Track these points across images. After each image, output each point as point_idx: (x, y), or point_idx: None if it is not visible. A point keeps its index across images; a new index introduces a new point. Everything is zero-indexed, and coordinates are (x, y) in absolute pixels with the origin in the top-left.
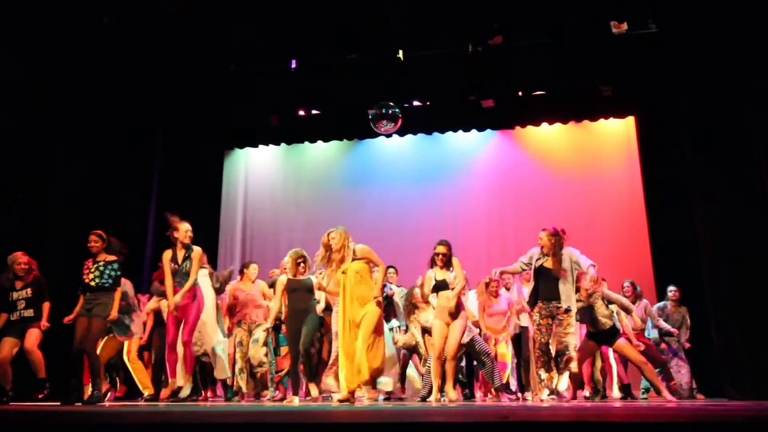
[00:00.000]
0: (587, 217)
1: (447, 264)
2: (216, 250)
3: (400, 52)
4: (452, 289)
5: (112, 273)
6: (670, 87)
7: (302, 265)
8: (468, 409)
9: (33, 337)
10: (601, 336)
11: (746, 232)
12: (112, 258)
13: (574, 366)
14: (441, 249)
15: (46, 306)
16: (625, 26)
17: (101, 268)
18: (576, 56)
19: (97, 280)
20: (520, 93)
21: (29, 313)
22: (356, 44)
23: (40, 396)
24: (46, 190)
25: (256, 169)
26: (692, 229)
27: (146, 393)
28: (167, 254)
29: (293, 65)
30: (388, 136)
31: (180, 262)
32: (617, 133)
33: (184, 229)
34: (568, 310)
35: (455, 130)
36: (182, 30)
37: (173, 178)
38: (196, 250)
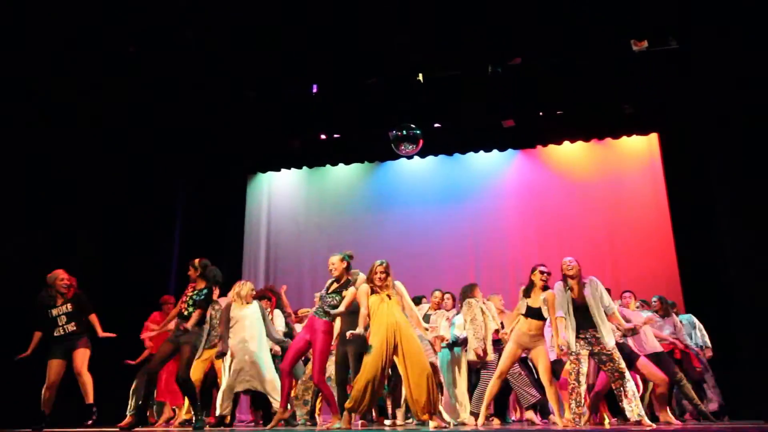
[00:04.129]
0: (612, 236)
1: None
2: (240, 273)
3: (420, 74)
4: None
5: (196, 298)
6: (693, 102)
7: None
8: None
9: (81, 358)
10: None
11: None
12: (202, 285)
13: (631, 387)
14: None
15: (94, 318)
16: (645, 44)
17: (194, 298)
18: (596, 75)
19: (190, 309)
20: (540, 113)
21: (72, 327)
22: (376, 68)
23: (88, 423)
24: (70, 217)
25: (278, 193)
26: (720, 244)
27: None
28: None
29: (314, 90)
30: (410, 157)
31: (325, 292)
32: (640, 150)
33: (330, 262)
34: (613, 348)
35: (476, 151)
36: (204, 57)
37: (197, 203)
38: (350, 291)
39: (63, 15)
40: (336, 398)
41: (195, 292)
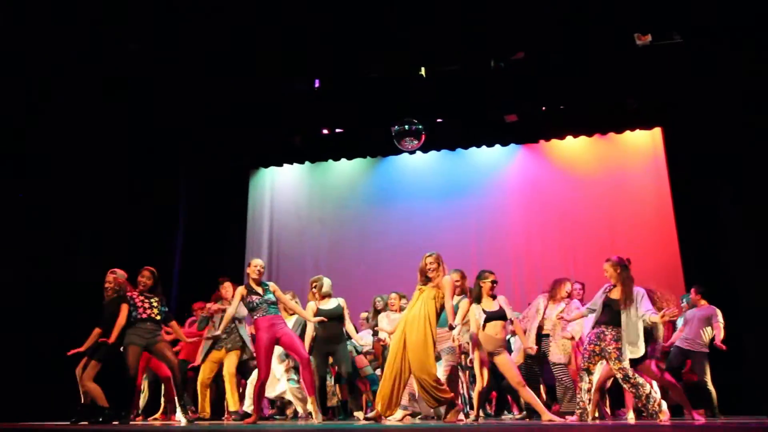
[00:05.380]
0: (615, 231)
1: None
2: (243, 269)
3: (423, 69)
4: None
5: (165, 308)
6: (696, 97)
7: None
8: (498, 427)
9: (88, 370)
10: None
11: None
12: (152, 294)
13: (635, 385)
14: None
15: (94, 332)
16: (649, 38)
17: (161, 304)
18: (600, 69)
19: (162, 315)
20: (543, 107)
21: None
22: (379, 62)
23: (101, 419)
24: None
25: (281, 188)
26: (723, 240)
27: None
28: (242, 290)
29: (317, 84)
30: (412, 152)
31: (263, 293)
32: (644, 144)
33: (254, 265)
34: (617, 339)
35: (479, 146)
36: (206, 52)
37: (199, 198)
38: (273, 284)
39: (63, 11)
40: (317, 393)
41: (161, 304)
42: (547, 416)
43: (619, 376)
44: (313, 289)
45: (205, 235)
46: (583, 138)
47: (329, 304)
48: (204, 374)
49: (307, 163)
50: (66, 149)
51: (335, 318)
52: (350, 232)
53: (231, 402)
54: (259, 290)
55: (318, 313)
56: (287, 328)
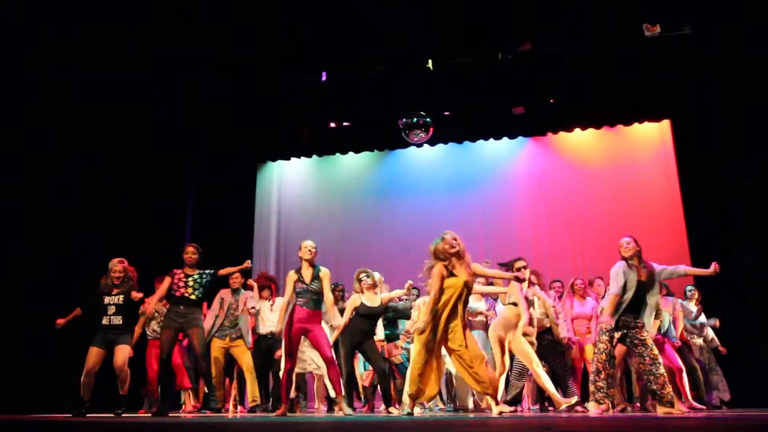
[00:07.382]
0: (623, 224)
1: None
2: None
3: (430, 61)
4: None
5: (207, 285)
6: (706, 88)
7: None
8: (509, 419)
9: (122, 355)
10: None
11: None
12: (194, 271)
13: (662, 372)
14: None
15: (135, 294)
16: (658, 28)
17: (200, 281)
18: (608, 60)
19: (197, 294)
20: (551, 100)
21: (117, 320)
22: (386, 55)
23: (118, 412)
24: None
25: (288, 182)
26: (733, 232)
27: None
28: (292, 275)
29: (324, 78)
30: (419, 145)
31: (308, 281)
32: (652, 137)
33: (305, 247)
34: (642, 326)
35: (486, 139)
36: (213, 45)
37: (207, 192)
38: (325, 270)
39: (65, 9)
40: (343, 388)
41: (201, 276)
42: (561, 404)
43: (647, 361)
44: (365, 281)
45: (213, 230)
46: (591, 130)
47: (374, 300)
48: (216, 367)
49: (314, 156)
50: (67, 148)
51: (376, 316)
52: (357, 225)
53: (251, 394)
54: (306, 278)
55: (361, 309)
56: (320, 327)
